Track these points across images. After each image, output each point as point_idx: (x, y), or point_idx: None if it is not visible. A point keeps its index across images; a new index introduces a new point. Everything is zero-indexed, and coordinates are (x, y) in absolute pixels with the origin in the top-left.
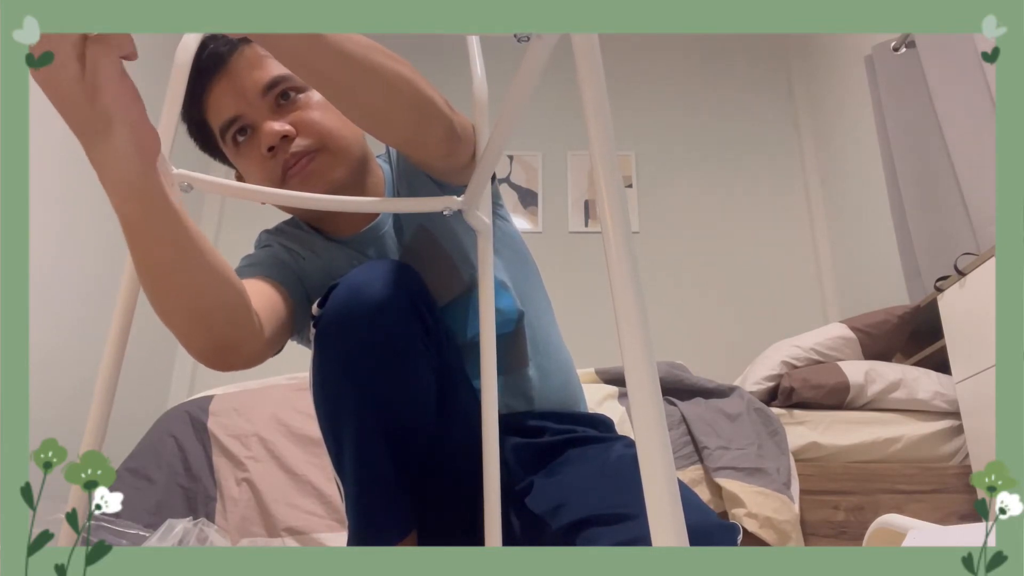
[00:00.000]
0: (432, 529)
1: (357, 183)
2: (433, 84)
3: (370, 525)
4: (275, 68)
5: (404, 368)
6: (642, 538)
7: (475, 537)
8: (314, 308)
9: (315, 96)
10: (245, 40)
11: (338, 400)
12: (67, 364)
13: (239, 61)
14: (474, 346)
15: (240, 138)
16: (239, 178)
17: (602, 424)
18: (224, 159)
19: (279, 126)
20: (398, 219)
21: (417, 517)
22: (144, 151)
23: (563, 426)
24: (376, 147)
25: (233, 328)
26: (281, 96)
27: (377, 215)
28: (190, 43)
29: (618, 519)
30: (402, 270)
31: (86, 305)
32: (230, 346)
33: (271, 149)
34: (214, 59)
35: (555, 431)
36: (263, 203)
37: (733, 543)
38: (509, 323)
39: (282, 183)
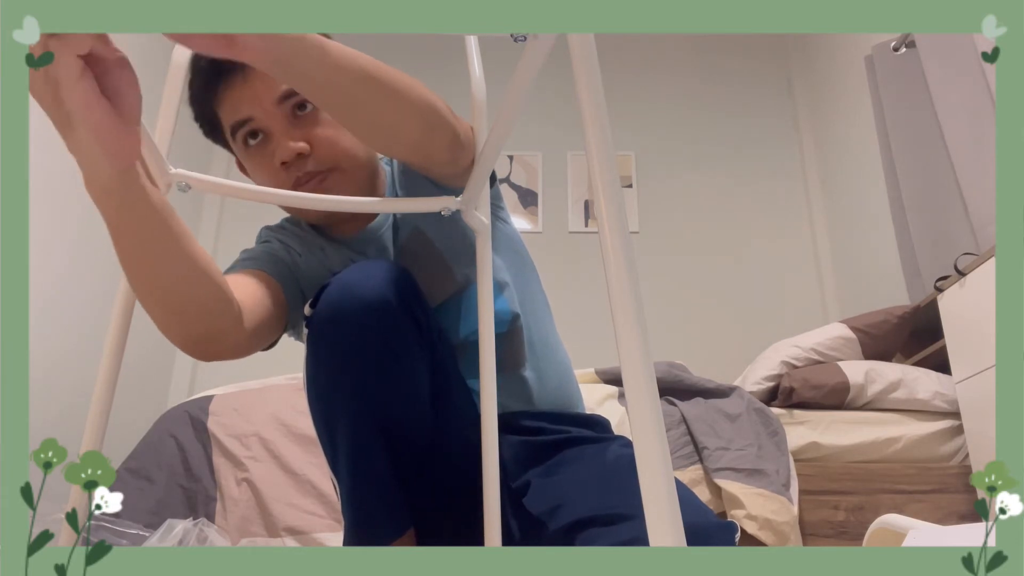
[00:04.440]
0: (430, 528)
1: (365, 194)
2: (431, 85)
3: (366, 523)
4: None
5: (397, 365)
6: (641, 539)
7: (473, 536)
8: (306, 308)
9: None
10: None
11: (332, 398)
12: (67, 364)
13: None
14: (467, 346)
15: (251, 140)
16: (240, 166)
17: (598, 425)
18: (228, 147)
19: (295, 145)
20: (395, 219)
21: (414, 516)
22: (114, 153)
23: (559, 426)
24: None
25: (210, 320)
26: (298, 107)
27: (376, 215)
28: None
29: (616, 520)
30: (394, 269)
31: (86, 305)
32: (208, 337)
33: (284, 163)
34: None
35: (551, 431)
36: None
37: (731, 543)
38: (502, 324)
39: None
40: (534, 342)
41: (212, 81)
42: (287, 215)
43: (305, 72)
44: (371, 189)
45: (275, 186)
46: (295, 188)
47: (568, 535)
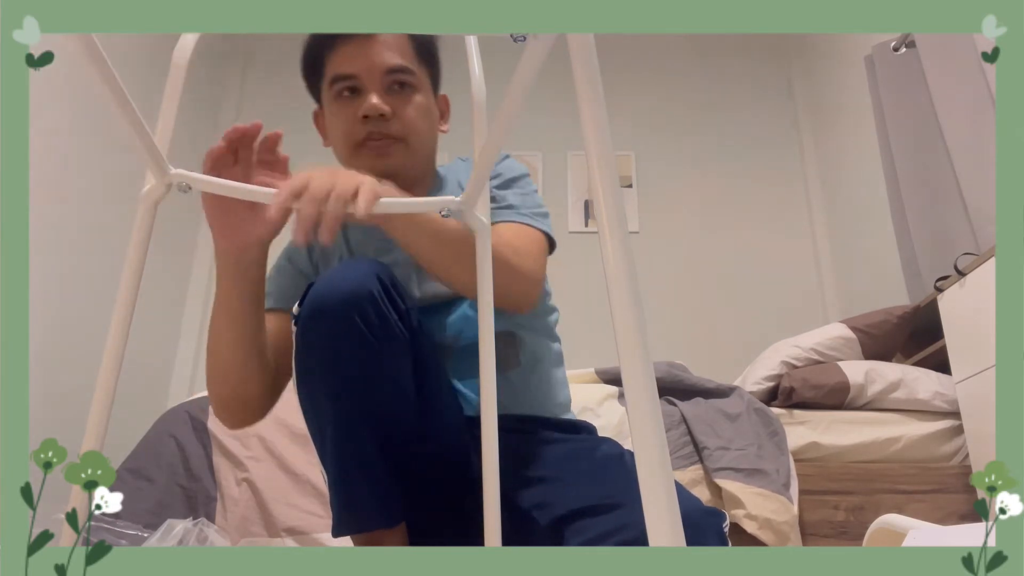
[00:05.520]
0: (425, 528)
1: (410, 180)
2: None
3: (351, 507)
4: (403, 59)
5: (379, 352)
6: (628, 525)
7: (463, 531)
8: (295, 308)
9: (418, 98)
10: None
11: (317, 387)
12: (67, 364)
13: (384, 36)
14: (453, 349)
15: (346, 94)
16: (315, 119)
17: (583, 429)
18: (314, 93)
19: (381, 104)
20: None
21: (403, 510)
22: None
23: (546, 430)
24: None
25: (246, 386)
26: (399, 84)
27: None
28: (188, 44)
29: (604, 509)
30: (374, 265)
31: (86, 305)
32: (237, 399)
33: (366, 117)
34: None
35: (540, 432)
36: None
37: (720, 527)
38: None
39: (358, 148)
40: (522, 353)
41: (336, 34)
42: None
43: (394, 232)
44: (421, 178)
45: (349, 138)
46: (365, 142)
47: (558, 527)
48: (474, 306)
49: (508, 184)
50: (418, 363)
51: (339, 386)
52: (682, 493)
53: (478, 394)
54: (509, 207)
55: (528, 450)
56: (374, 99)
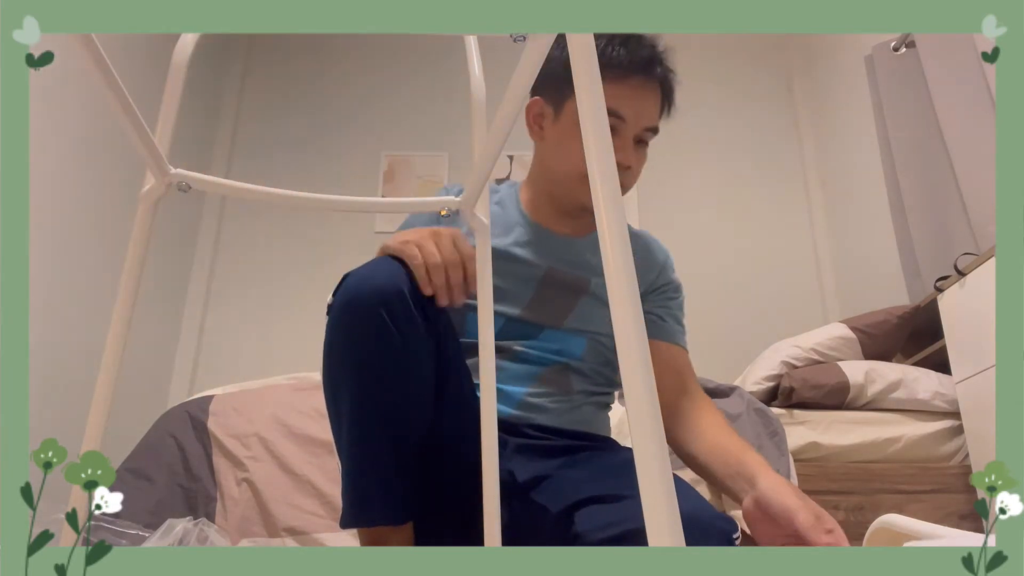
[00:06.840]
0: (431, 528)
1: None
2: (431, 86)
3: (359, 502)
4: (657, 119)
5: (402, 350)
6: (638, 514)
7: (473, 528)
8: (329, 299)
9: (645, 154)
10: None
11: (338, 375)
12: (67, 364)
13: (654, 90)
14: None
15: None
16: (538, 122)
17: (608, 441)
18: (555, 92)
19: (627, 157)
20: (580, 258)
21: (413, 509)
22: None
23: (572, 441)
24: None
25: None
26: (644, 140)
27: (585, 236)
28: (188, 44)
29: (617, 498)
30: (405, 266)
31: (86, 305)
32: None
33: None
34: (669, 86)
35: (567, 441)
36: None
37: (729, 534)
38: (549, 361)
39: (585, 179)
40: (572, 383)
41: (645, 70)
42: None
43: None
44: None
45: (581, 165)
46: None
47: (569, 513)
48: (575, 337)
49: (678, 290)
50: (442, 365)
51: (359, 379)
52: (693, 494)
53: (512, 398)
54: (681, 326)
55: (555, 451)
56: (629, 152)
